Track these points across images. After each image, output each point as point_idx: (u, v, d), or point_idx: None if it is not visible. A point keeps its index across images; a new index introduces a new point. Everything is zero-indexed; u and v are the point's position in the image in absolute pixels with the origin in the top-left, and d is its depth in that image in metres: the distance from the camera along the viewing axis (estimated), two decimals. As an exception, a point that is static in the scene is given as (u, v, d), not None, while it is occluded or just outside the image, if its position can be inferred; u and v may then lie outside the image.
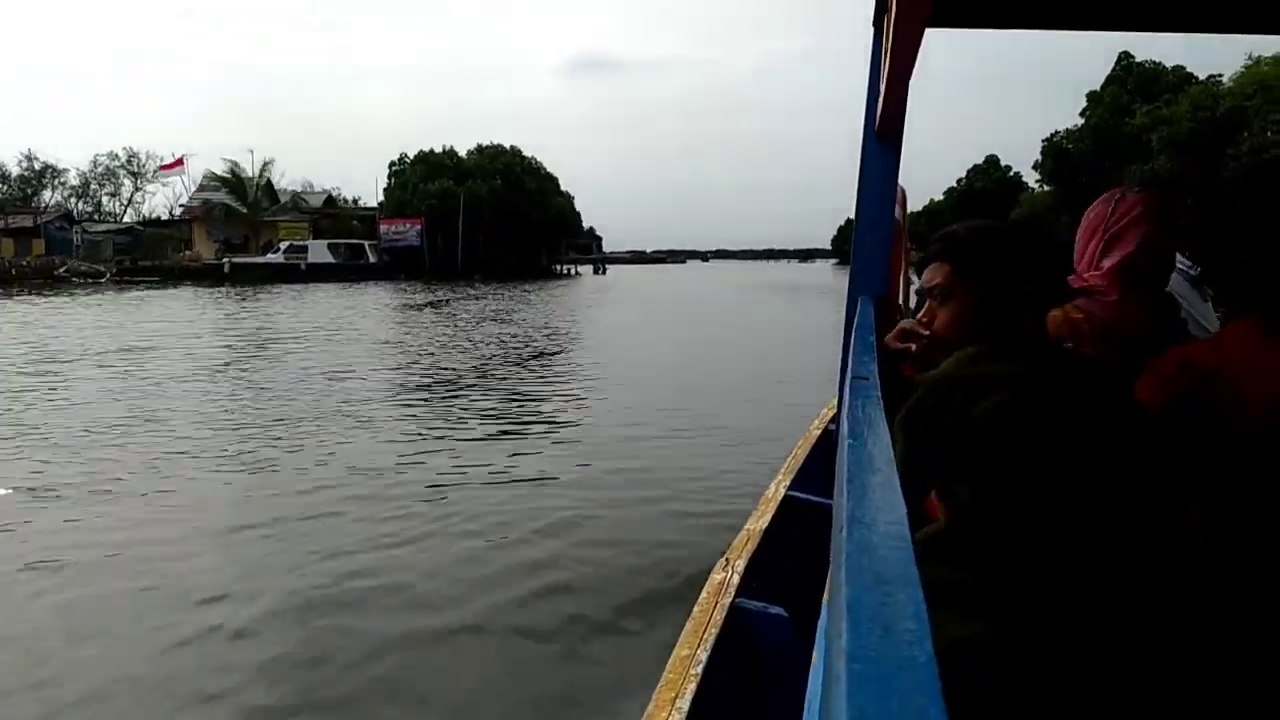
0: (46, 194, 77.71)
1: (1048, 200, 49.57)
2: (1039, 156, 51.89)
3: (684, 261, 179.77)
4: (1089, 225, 1.90)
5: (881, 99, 1.81)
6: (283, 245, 51.04)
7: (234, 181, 56.59)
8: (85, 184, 78.78)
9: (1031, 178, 56.29)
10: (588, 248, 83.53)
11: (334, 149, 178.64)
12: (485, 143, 65.55)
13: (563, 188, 73.27)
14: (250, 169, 57.47)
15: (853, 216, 2.22)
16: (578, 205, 78.10)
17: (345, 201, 67.95)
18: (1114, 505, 1.20)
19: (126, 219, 70.94)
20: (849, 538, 0.58)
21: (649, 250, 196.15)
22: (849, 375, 1.19)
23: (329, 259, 50.62)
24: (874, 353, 1.43)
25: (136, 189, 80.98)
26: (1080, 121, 49.14)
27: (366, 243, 54.31)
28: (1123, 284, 1.80)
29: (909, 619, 0.45)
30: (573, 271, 72.55)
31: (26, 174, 72.64)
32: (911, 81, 1.68)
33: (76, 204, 78.55)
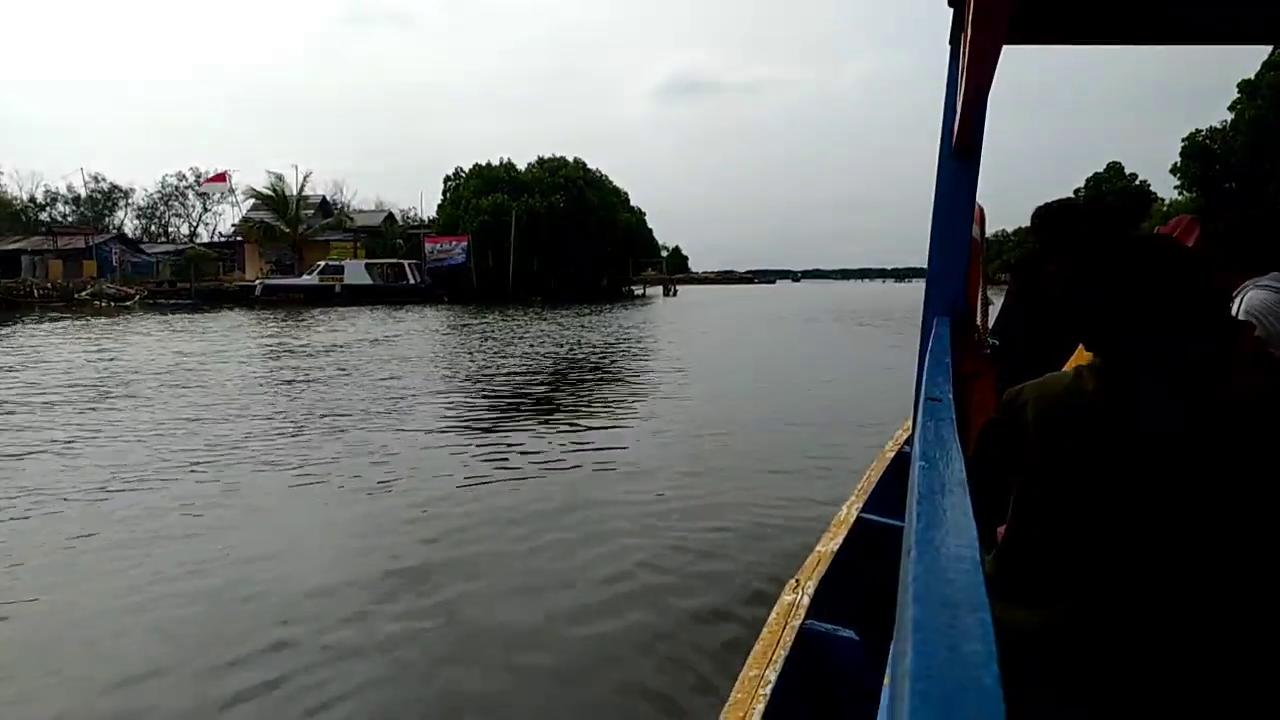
0: (119, 214, 78.06)
1: (1192, 209, 41.89)
2: (1177, 159, 44.19)
3: (773, 281, 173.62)
4: None
5: (959, 115, 1.91)
6: (319, 266, 47.40)
7: (275, 199, 53.38)
8: (153, 205, 78.84)
9: (1159, 185, 48.57)
10: (657, 267, 77.77)
11: (418, 171, 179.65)
12: (546, 155, 61.11)
13: (633, 203, 68.48)
14: (293, 184, 54.17)
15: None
16: (654, 223, 73.11)
17: (412, 221, 64.87)
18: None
19: (199, 240, 70.47)
20: (918, 559, 0.59)
21: (740, 270, 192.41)
22: (922, 396, 1.25)
23: (366, 280, 46.85)
24: (949, 373, 1.48)
25: (205, 209, 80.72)
26: (1229, 116, 41.43)
27: (407, 262, 50.19)
28: None
29: (975, 641, 0.44)
30: (642, 292, 67.31)
31: (95, 194, 72.71)
32: (990, 97, 1.81)
33: (145, 225, 78.61)
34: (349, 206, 72.76)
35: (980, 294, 2.97)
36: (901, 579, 0.61)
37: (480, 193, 56.65)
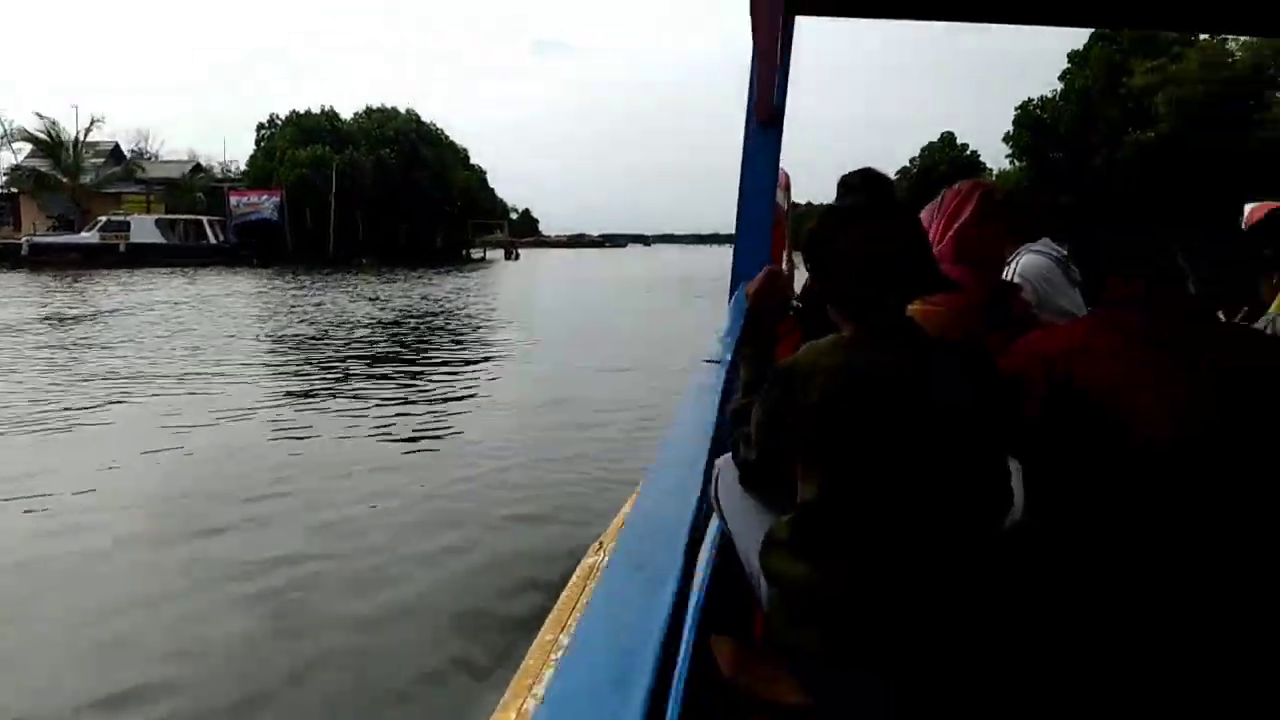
0: None
1: (1020, 178, 42.50)
2: (1009, 128, 44.80)
3: (624, 245, 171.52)
4: (927, 214, 2.06)
5: (765, 86, 1.96)
6: (99, 222, 41.28)
7: (49, 143, 45.97)
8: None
9: (991, 155, 49.55)
10: (502, 229, 73.57)
11: (240, 124, 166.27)
12: (375, 105, 56.17)
13: (473, 160, 64.46)
14: (74, 127, 46.87)
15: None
16: (507, 185, 69.23)
17: (232, 173, 57.87)
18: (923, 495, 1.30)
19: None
20: (640, 500, 0.64)
21: (593, 234, 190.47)
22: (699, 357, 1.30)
23: (158, 238, 41.24)
24: (736, 337, 1.52)
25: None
26: (1059, 86, 42.16)
27: (207, 219, 44.62)
28: (959, 257, 1.92)
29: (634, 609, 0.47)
30: (482, 255, 63.48)
31: None
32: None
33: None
34: (156, 157, 64.76)
35: (787, 256, 3.10)
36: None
37: (298, 143, 51.27)
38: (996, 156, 52.61)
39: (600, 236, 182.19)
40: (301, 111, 53.70)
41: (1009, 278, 2.45)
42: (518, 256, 64.04)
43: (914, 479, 1.31)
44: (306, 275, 33.73)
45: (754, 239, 2.39)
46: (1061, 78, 41.83)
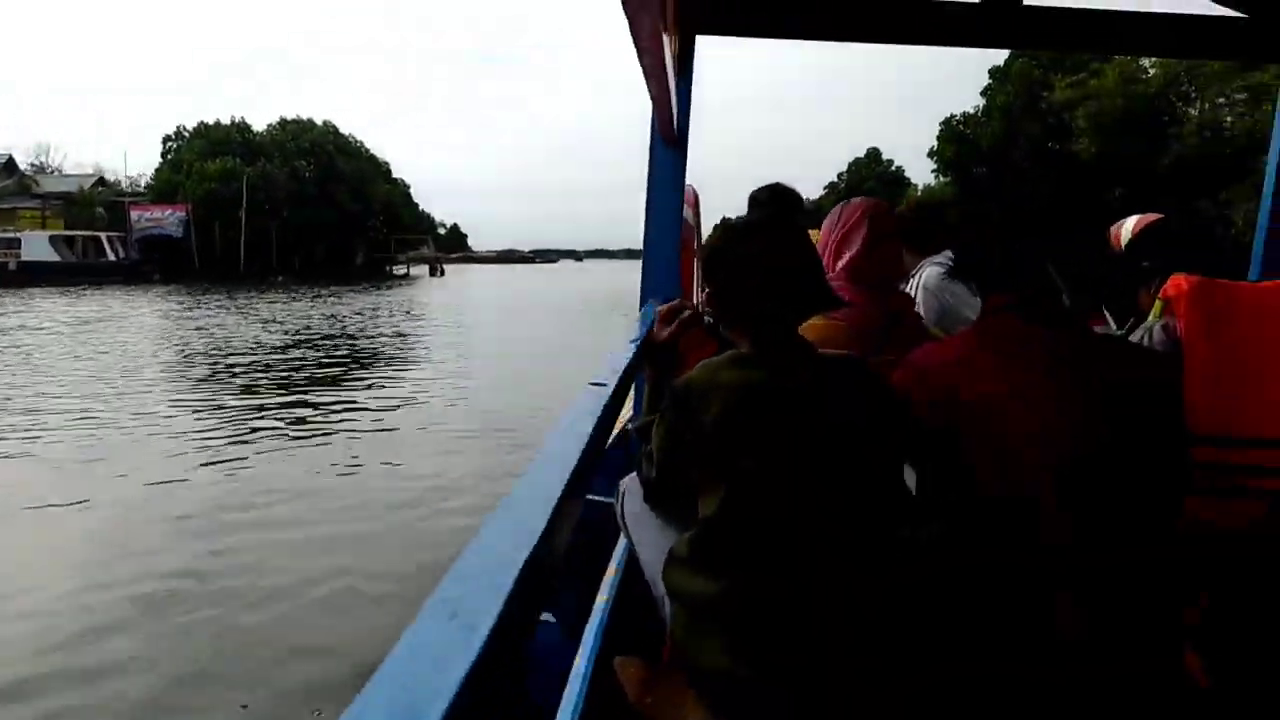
0: None
1: (946, 192, 42.80)
2: (934, 143, 45.17)
3: (556, 261, 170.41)
4: (824, 233, 2.07)
5: (661, 105, 1.95)
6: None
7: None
8: None
9: (917, 171, 49.99)
10: (424, 245, 71.08)
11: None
12: (290, 116, 54.05)
13: (395, 175, 62.65)
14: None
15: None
16: (437, 200, 67.42)
17: (138, 188, 54.70)
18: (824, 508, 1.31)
19: None
20: (484, 529, 0.63)
21: (524, 250, 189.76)
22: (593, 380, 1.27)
23: (52, 256, 38.63)
24: (629, 357, 1.51)
25: None
26: (982, 102, 42.62)
27: (105, 235, 42.06)
28: (854, 283, 1.93)
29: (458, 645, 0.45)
30: (406, 272, 61.40)
31: None
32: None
33: None
34: (59, 171, 61.26)
35: (696, 271, 3.17)
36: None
37: (206, 155, 48.89)
38: (923, 172, 53.19)
39: (531, 252, 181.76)
40: (210, 123, 51.21)
41: (912, 290, 2.57)
42: (443, 273, 61.98)
43: (811, 494, 1.32)
44: (208, 294, 31.81)
45: (661, 257, 2.41)
46: (983, 93, 42.30)
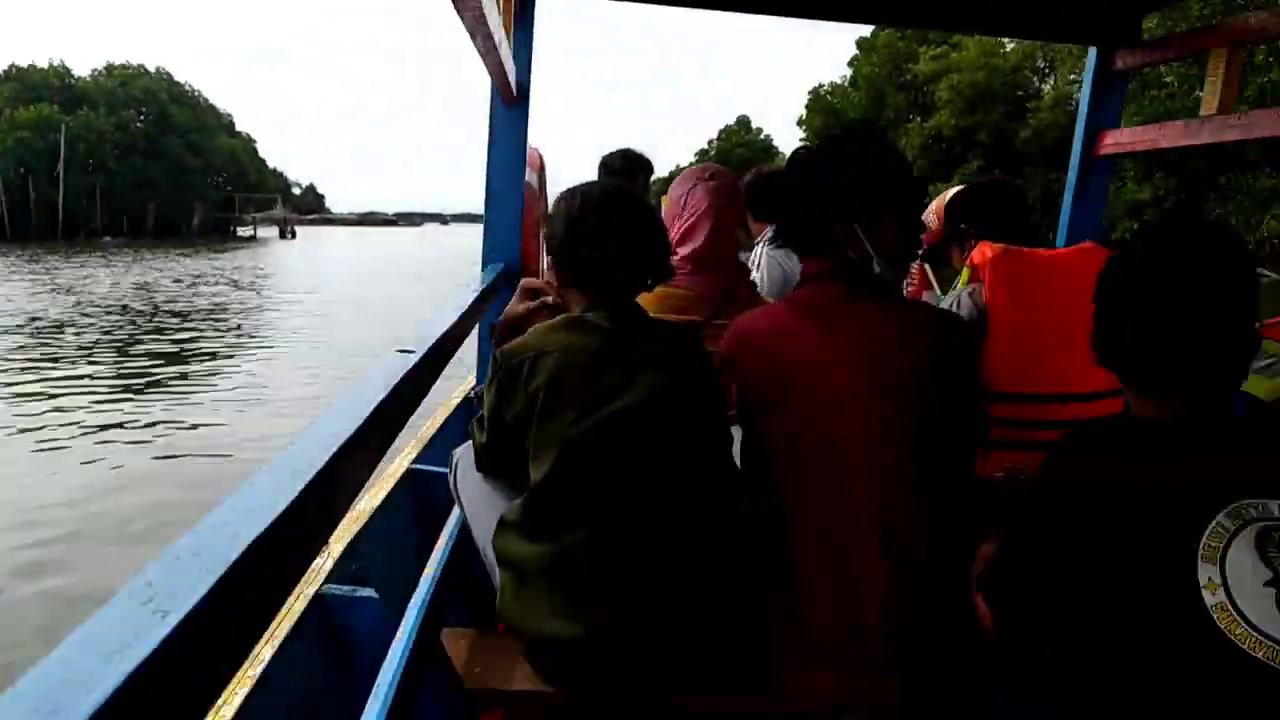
0: None
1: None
2: (803, 111, 45.31)
3: (420, 225, 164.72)
4: (669, 213, 2.05)
5: (492, 60, 1.87)
6: None
7: None
8: None
9: (786, 140, 50.20)
10: (272, 204, 66.30)
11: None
12: (118, 62, 48.91)
13: (239, 128, 58.04)
14: None
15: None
16: (291, 158, 62.81)
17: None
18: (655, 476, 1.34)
19: None
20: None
21: (387, 212, 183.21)
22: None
23: None
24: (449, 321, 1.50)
25: None
26: (848, 73, 42.93)
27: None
28: (696, 268, 1.96)
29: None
30: (252, 234, 57.03)
31: None
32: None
33: None
34: None
35: (540, 237, 3.02)
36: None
37: (18, 101, 43.56)
38: (792, 141, 53.51)
39: (395, 215, 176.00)
40: (23, 65, 45.67)
41: (756, 257, 2.71)
42: (294, 235, 57.99)
43: (643, 459, 1.33)
44: (5, 257, 28.13)
45: (502, 220, 2.43)
46: (850, 64, 42.58)
